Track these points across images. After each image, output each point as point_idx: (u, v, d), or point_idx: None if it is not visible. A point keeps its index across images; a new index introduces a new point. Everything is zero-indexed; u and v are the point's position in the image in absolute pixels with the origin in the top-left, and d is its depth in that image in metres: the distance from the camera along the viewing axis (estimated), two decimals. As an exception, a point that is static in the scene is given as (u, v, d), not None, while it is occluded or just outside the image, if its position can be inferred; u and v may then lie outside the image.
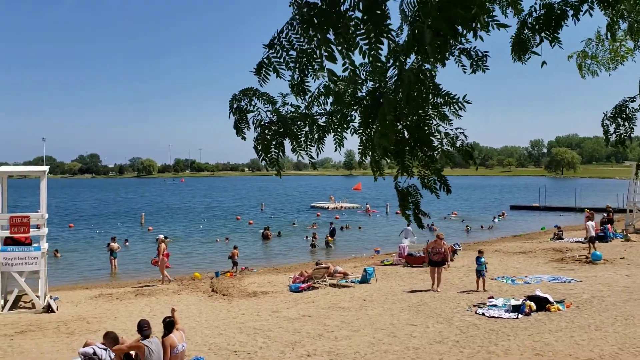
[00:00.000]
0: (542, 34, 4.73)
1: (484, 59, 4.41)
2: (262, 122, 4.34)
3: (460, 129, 4.28)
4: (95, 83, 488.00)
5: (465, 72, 4.41)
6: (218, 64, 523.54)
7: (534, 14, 4.81)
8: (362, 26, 3.28)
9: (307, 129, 4.34)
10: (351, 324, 13.07)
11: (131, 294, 18.22)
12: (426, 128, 4.11)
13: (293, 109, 4.38)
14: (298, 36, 3.55)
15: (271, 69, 3.76)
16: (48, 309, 15.70)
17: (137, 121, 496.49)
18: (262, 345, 11.38)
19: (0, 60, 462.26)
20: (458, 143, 4.25)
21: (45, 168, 17.78)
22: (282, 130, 4.29)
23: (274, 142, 4.29)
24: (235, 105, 4.36)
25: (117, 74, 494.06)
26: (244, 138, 4.42)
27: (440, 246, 16.92)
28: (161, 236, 22.67)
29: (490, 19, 3.56)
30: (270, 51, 3.70)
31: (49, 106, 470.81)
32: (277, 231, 37.91)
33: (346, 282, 18.59)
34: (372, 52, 3.30)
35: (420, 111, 4.04)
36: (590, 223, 24.15)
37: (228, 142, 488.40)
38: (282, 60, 3.69)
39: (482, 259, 16.34)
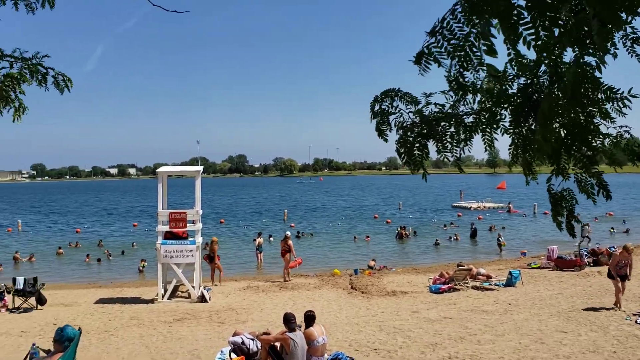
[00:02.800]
0: None
1: None
2: (404, 124, 4.20)
3: (626, 126, 3.87)
4: (243, 88, 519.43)
5: None
6: (358, 68, 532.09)
7: None
8: (525, 14, 3.06)
9: (452, 129, 4.11)
10: (495, 328, 12.51)
11: (276, 287, 19.03)
12: (586, 126, 3.76)
13: (437, 109, 4.20)
14: (460, 25, 3.37)
15: (432, 59, 3.57)
16: (202, 298, 16.91)
17: (280, 122, 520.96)
18: (402, 345, 11.28)
19: (163, 70, 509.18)
20: (623, 143, 3.84)
21: (200, 168, 19.15)
22: (425, 131, 4.14)
23: (416, 144, 4.14)
24: (376, 107, 4.26)
25: (261, 79, 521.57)
26: (385, 140, 4.31)
27: (627, 259, 14.35)
28: (288, 233, 23.12)
29: None
30: (431, 40, 3.52)
31: (203, 111, 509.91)
32: (412, 230, 37.41)
33: (490, 284, 17.84)
34: (538, 43, 3.07)
35: (579, 108, 3.70)
36: None
37: (365, 141, 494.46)
38: (442, 49, 3.50)
39: None
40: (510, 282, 17.78)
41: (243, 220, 51.74)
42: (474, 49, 3.32)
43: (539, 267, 21.88)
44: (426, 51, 3.59)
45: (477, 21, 3.19)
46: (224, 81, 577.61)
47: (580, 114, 3.74)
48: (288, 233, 22.72)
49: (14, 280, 16.98)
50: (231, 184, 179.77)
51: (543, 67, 3.69)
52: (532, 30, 3.03)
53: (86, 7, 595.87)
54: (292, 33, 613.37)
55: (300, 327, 9.51)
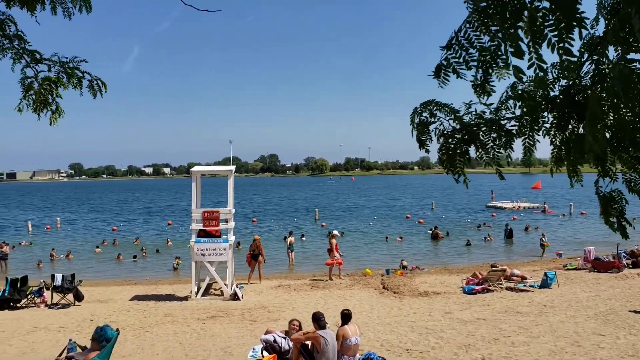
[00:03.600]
0: None
1: None
2: (445, 132, 4.14)
3: None
4: (274, 87, 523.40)
5: None
6: (390, 71, 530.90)
7: None
8: (550, 16, 3.01)
9: (494, 134, 4.02)
10: (530, 329, 12.30)
11: (307, 286, 19.08)
12: (633, 126, 3.65)
13: (477, 116, 4.16)
14: (477, 33, 3.35)
15: (450, 70, 3.57)
16: (234, 296, 17.08)
17: (311, 122, 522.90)
18: (435, 346, 11.19)
19: (195, 69, 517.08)
20: None
21: (232, 167, 19.30)
22: (466, 137, 4.09)
23: (458, 151, 4.06)
24: (416, 119, 4.25)
25: (292, 78, 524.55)
26: (427, 151, 4.27)
27: None
28: (335, 232, 23.07)
29: None
30: (449, 52, 3.53)
31: (236, 111, 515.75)
32: (445, 231, 37.01)
33: (524, 285, 17.53)
34: (562, 44, 3.02)
35: (629, 108, 3.60)
36: None
37: (397, 140, 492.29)
38: (461, 60, 3.49)
39: None
40: (545, 284, 17.45)
41: (275, 219, 52.02)
42: (499, 52, 3.28)
43: (575, 269, 21.42)
44: (445, 63, 3.58)
45: (495, 29, 3.16)
46: (256, 80, 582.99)
47: (627, 114, 3.64)
48: (334, 232, 22.62)
49: (53, 276, 17.46)
50: (263, 183, 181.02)
51: (585, 68, 3.62)
52: (556, 32, 2.98)
53: (121, 8, 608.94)
54: (330, 33, 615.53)
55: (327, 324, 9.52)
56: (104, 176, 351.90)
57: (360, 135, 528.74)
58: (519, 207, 55.71)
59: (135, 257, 29.50)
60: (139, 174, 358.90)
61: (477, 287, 17.21)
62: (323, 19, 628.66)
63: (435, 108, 4.13)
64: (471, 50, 3.44)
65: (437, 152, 4.14)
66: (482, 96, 3.71)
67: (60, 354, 8.54)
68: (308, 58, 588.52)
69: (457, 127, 4.09)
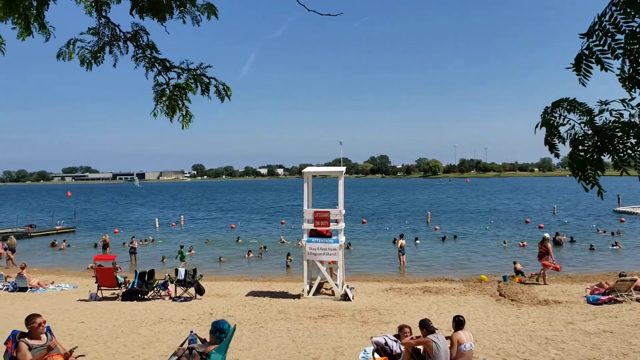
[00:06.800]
0: None
1: None
2: (577, 137, 3.71)
3: None
4: (381, 90, 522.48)
5: None
6: (505, 60, 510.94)
7: None
8: None
9: (633, 140, 3.53)
10: (666, 347, 11.20)
11: (419, 290, 18.77)
12: None
13: (614, 118, 3.61)
14: (625, 16, 3.01)
15: (593, 61, 3.22)
16: (345, 297, 17.21)
17: (423, 122, 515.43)
18: (555, 357, 10.53)
19: (308, 72, 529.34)
20: None
21: (342, 169, 19.46)
22: (599, 144, 3.61)
23: (590, 159, 3.63)
24: (545, 120, 3.84)
25: (403, 78, 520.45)
26: (557, 155, 3.90)
27: None
28: (547, 235, 22.01)
29: None
30: (591, 40, 3.19)
31: (345, 112, 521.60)
32: (569, 236, 34.76)
33: (658, 298, 16.04)
34: None
35: None
36: None
37: (516, 140, 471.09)
38: (606, 47, 3.13)
39: None
40: (684, 297, 15.84)
41: (385, 221, 51.81)
42: None
43: None
44: (586, 53, 3.22)
45: None
46: (367, 82, 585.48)
47: None
48: (546, 235, 21.79)
49: (176, 271, 18.64)
50: (374, 185, 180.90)
51: None
52: None
53: (240, 17, 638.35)
54: (439, 34, 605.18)
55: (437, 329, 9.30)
56: (224, 177, 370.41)
57: (476, 135, 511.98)
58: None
59: (249, 252, 31.07)
60: (255, 175, 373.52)
61: (602, 297, 16.01)
62: (435, 23, 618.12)
63: (568, 107, 3.73)
64: (618, 36, 3.10)
65: (568, 157, 3.72)
66: (631, 90, 3.33)
67: (182, 344, 9.04)
68: (420, 60, 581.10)
69: (589, 132, 3.65)
